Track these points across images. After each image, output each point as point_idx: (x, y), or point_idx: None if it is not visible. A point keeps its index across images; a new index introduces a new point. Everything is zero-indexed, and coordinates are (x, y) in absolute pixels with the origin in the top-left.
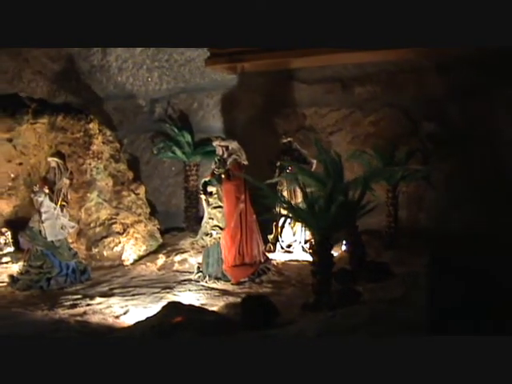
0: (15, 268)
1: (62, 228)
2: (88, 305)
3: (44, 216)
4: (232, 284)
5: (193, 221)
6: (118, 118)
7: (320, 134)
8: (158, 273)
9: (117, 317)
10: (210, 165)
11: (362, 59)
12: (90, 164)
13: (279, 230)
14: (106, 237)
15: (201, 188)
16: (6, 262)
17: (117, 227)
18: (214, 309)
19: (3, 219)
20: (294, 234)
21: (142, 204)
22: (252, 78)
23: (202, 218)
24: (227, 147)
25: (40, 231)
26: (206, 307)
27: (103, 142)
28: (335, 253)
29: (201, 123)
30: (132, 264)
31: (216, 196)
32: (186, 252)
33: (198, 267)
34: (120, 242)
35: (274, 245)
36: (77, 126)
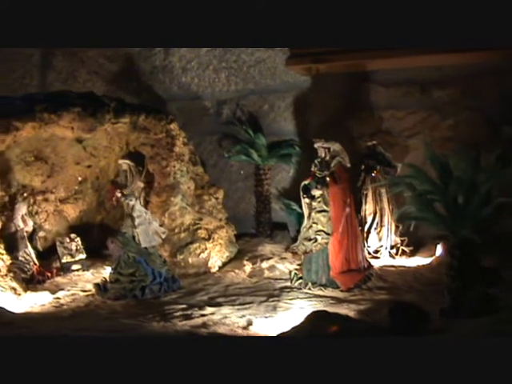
0: (88, 275)
1: (154, 234)
2: (202, 315)
3: (137, 221)
4: (341, 291)
5: (266, 226)
6: (182, 119)
7: (397, 137)
8: (251, 280)
9: (244, 328)
10: (282, 168)
11: (440, 62)
12: (174, 166)
13: (365, 235)
14: (191, 243)
15: (301, 192)
16: (77, 270)
17: (202, 233)
18: None
19: (68, 224)
20: (379, 240)
21: (222, 208)
22: (326, 80)
23: (275, 223)
24: (329, 149)
25: (133, 237)
26: None
27: (183, 144)
28: (430, 258)
29: (271, 126)
30: (218, 271)
31: (320, 200)
32: (270, 258)
33: (296, 273)
34: (206, 249)
35: None
36: (158, 127)
